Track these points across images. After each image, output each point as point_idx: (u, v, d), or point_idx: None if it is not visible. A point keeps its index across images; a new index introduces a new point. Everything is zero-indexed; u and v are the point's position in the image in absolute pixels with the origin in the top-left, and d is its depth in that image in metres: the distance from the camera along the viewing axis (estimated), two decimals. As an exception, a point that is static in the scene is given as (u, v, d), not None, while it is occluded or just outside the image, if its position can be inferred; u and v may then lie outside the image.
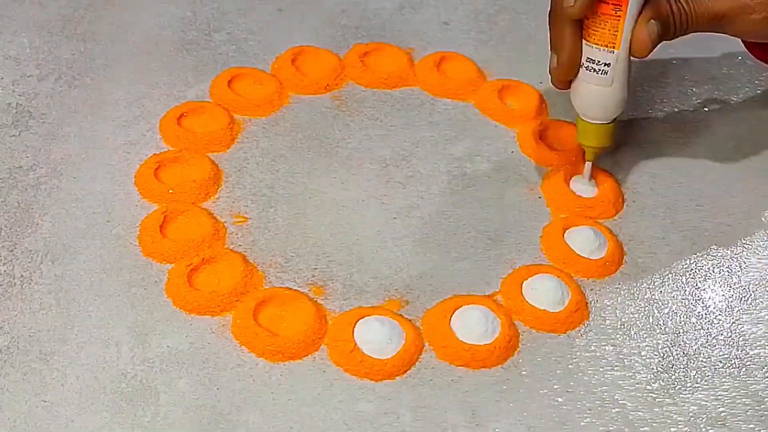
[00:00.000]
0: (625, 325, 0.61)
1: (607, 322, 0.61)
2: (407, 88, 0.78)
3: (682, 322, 0.61)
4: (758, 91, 0.80)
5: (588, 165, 0.68)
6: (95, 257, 0.62)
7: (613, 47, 0.62)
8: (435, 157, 0.72)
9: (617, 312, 0.62)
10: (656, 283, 0.64)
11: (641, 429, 0.55)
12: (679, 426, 0.56)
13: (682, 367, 0.59)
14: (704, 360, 0.59)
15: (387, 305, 0.61)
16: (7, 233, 0.63)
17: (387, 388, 0.57)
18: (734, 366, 0.59)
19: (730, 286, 0.64)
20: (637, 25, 0.61)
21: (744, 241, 0.67)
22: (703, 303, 0.63)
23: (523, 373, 0.58)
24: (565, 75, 0.64)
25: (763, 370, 0.59)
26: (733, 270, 0.65)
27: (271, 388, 0.56)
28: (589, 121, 0.65)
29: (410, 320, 0.60)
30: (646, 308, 0.62)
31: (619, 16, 0.60)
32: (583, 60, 0.63)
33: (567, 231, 0.65)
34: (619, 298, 0.63)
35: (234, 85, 0.75)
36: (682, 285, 0.64)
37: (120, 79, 0.76)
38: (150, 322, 0.59)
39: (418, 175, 0.70)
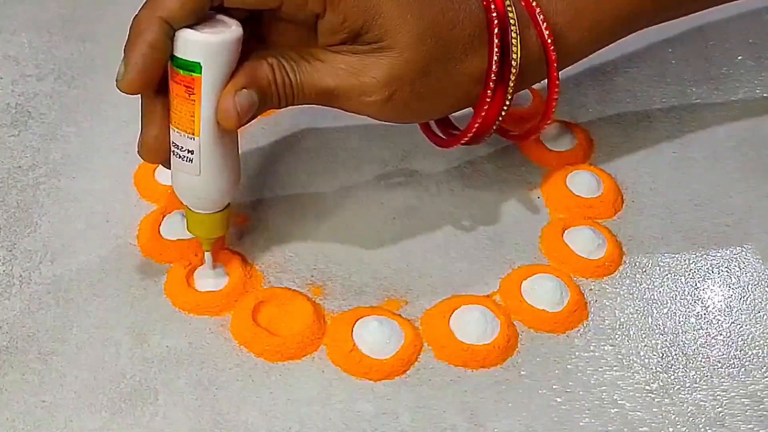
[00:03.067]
0: (624, 325, 0.61)
1: (606, 322, 0.61)
2: (407, 88, 0.77)
3: (681, 322, 0.61)
4: (758, 91, 0.80)
5: (207, 255, 0.59)
6: (94, 257, 0.62)
7: (193, 133, 0.52)
8: (434, 158, 0.71)
9: (616, 312, 0.62)
10: (655, 283, 0.64)
11: (640, 429, 0.55)
12: (678, 426, 0.56)
13: (681, 367, 0.59)
14: (703, 360, 0.59)
15: (386, 305, 0.61)
16: (6, 233, 0.63)
17: (386, 388, 0.57)
18: (733, 366, 0.59)
19: (730, 287, 0.64)
20: (224, 93, 0.50)
21: (743, 242, 0.67)
22: (702, 303, 0.63)
23: (522, 373, 0.58)
24: (152, 157, 0.55)
25: (762, 370, 0.59)
26: (733, 270, 0.65)
27: (270, 388, 0.56)
28: (193, 210, 0.57)
29: (409, 320, 0.60)
30: (645, 308, 0.62)
31: (193, 101, 0.51)
32: (171, 144, 0.54)
33: (566, 231, 0.65)
34: (618, 299, 0.63)
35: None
36: (681, 285, 0.64)
37: (119, 78, 0.76)
38: (149, 322, 0.59)
39: (417, 175, 0.70)
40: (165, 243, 0.63)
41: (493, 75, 0.58)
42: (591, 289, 0.63)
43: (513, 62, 0.58)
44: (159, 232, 0.63)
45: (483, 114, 0.60)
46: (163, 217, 0.64)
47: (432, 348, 0.59)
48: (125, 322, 0.59)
